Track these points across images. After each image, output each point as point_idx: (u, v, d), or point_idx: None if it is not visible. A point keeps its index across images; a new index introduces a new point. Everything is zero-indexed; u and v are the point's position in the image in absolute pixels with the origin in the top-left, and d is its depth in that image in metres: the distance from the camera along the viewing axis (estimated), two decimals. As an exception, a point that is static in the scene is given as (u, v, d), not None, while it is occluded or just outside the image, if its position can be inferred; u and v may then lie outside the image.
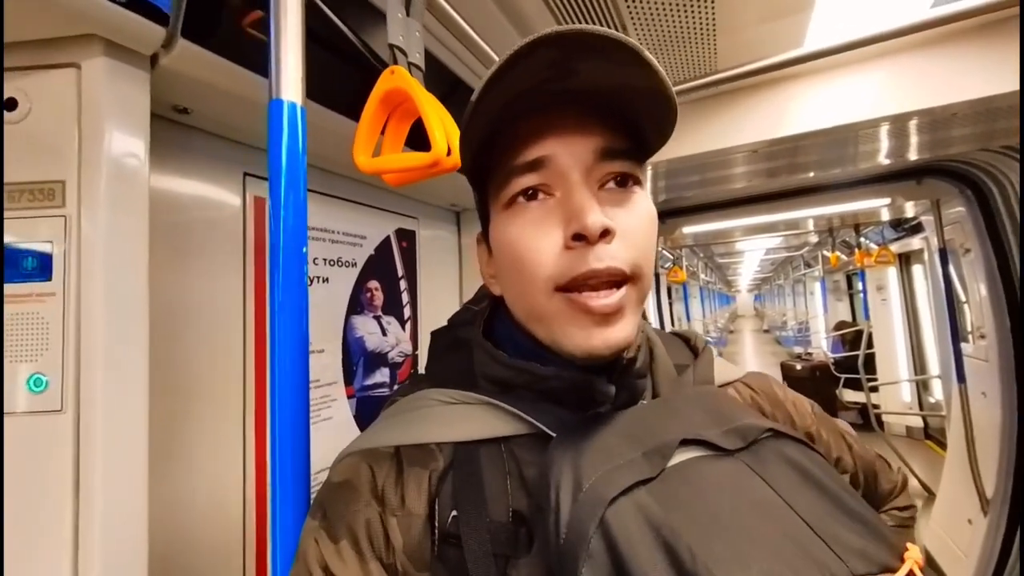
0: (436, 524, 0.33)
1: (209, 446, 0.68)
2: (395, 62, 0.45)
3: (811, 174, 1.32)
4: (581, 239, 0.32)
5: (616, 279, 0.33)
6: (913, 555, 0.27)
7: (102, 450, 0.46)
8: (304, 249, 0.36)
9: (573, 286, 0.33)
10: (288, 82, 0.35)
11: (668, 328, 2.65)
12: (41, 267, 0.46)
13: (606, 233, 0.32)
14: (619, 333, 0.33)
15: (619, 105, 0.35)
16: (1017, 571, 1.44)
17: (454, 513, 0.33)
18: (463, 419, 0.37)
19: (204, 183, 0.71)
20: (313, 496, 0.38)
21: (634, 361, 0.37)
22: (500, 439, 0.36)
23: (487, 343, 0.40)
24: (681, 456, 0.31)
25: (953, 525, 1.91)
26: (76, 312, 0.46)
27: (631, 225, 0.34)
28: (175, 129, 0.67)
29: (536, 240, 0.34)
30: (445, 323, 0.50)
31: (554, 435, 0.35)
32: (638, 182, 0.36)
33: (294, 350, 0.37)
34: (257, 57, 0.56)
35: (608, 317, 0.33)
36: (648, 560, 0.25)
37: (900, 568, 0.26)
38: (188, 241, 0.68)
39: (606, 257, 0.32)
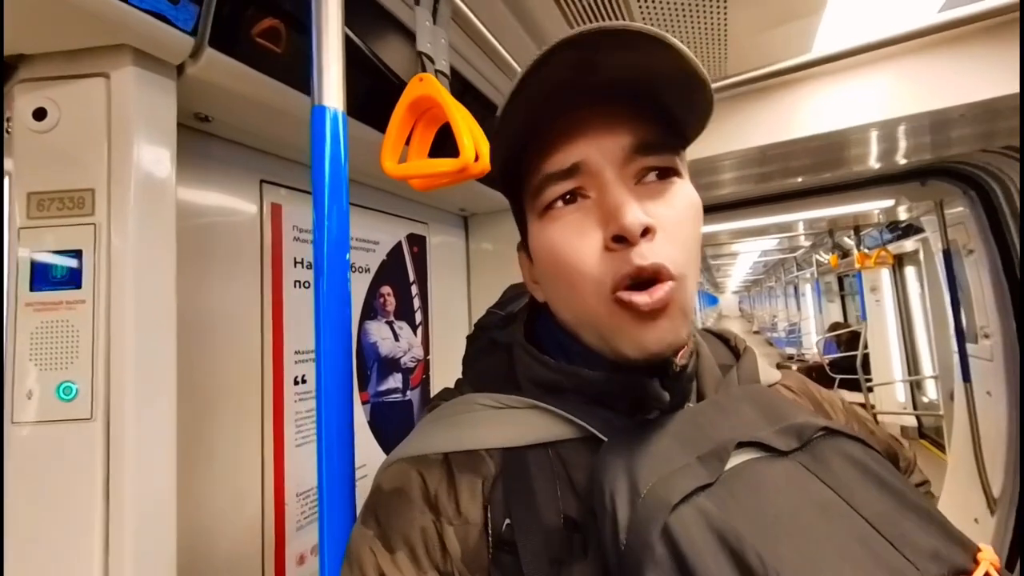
0: (490, 531, 0.33)
1: (229, 451, 0.68)
2: (423, 69, 0.45)
3: (818, 176, 1.33)
4: (622, 240, 0.31)
5: (661, 276, 0.32)
6: (988, 556, 0.25)
7: (131, 458, 0.45)
8: (347, 256, 0.37)
9: (619, 285, 0.32)
10: (331, 89, 0.36)
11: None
12: (71, 275, 0.46)
13: (647, 231, 0.31)
14: (669, 328, 0.32)
15: (650, 93, 0.33)
16: (1028, 569, 1.45)
17: (507, 520, 0.32)
18: (511, 424, 0.37)
19: (223, 190, 0.71)
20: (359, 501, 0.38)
21: (686, 367, 0.36)
22: (547, 444, 0.35)
23: (531, 347, 0.39)
24: (737, 459, 0.30)
25: (960, 524, 1.90)
26: (106, 320, 0.46)
27: (672, 218, 0.33)
28: (195, 137, 0.67)
29: (577, 245, 0.33)
30: (474, 328, 0.50)
31: (603, 439, 0.34)
32: (677, 172, 0.35)
33: (338, 356, 0.38)
34: (279, 65, 0.57)
35: (657, 313, 0.31)
36: (716, 566, 0.24)
37: (975, 570, 0.25)
38: (207, 248, 0.68)
39: (650, 254, 0.31)
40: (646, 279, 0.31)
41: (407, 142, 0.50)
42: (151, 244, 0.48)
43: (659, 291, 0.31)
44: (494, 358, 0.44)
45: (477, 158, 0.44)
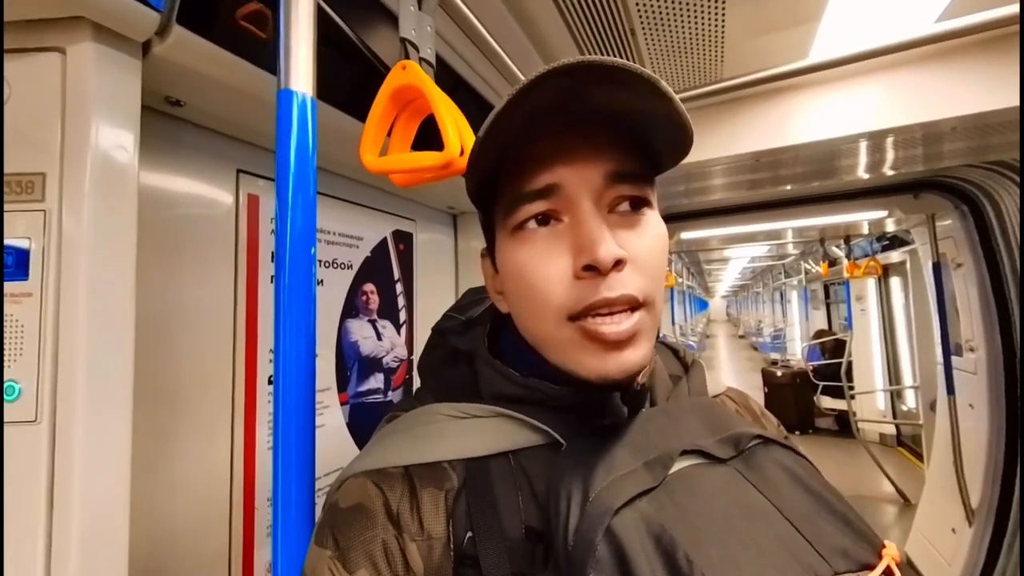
0: (452, 546, 0.32)
1: (196, 455, 0.65)
2: (407, 57, 0.43)
3: (812, 184, 1.33)
4: (592, 270, 0.32)
5: (630, 306, 0.33)
6: (890, 552, 0.28)
7: (79, 464, 0.42)
8: (312, 250, 0.34)
9: (585, 314, 0.32)
10: (299, 72, 0.33)
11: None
12: (17, 265, 0.42)
13: (619, 263, 0.32)
14: (633, 357, 0.33)
15: (631, 125, 0.34)
16: (1003, 580, 1.47)
17: (469, 534, 0.32)
18: (474, 434, 0.36)
19: (196, 179, 0.67)
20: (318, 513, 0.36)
21: (646, 386, 0.37)
22: (508, 452, 0.36)
23: (496, 361, 0.39)
24: (679, 465, 0.32)
25: (937, 533, 1.94)
26: (55, 314, 0.42)
27: (643, 249, 0.34)
28: (167, 122, 0.64)
29: (545, 269, 0.33)
30: (433, 333, 0.48)
31: (564, 443, 0.35)
32: (649, 203, 0.36)
33: (300, 356, 0.35)
34: (254, 48, 0.53)
35: (623, 344, 0.32)
36: (649, 567, 0.26)
37: (878, 565, 0.27)
38: (177, 240, 0.64)
39: (618, 285, 0.32)
40: (613, 309, 0.32)
41: (389, 134, 0.47)
42: (108, 234, 0.45)
43: (627, 321, 0.32)
44: (457, 369, 0.43)
45: (463, 152, 0.42)
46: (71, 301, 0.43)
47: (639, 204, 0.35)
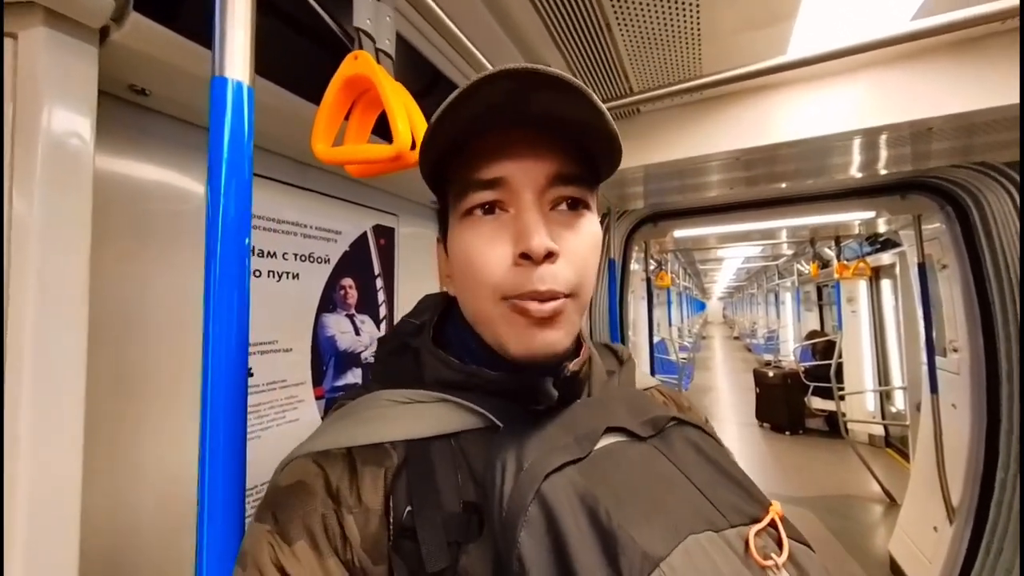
0: (391, 519, 0.34)
1: (162, 448, 0.64)
2: (361, 47, 0.42)
3: (800, 184, 1.33)
4: (527, 258, 0.35)
5: (556, 297, 0.36)
6: (775, 508, 0.34)
7: (29, 452, 0.42)
8: (247, 241, 0.33)
9: (515, 297, 0.36)
10: (234, 58, 0.32)
11: (653, 330, 2.78)
12: (-36, 251, 0.42)
13: (551, 255, 0.35)
14: (556, 335, 0.36)
15: (573, 132, 0.37)
16: (980, 579, 1.48)
17: (408, 508, 0.34)
18: (416, 417, 0.39)
19: (164, 170, 0.67)
20: (251, 505, 0.36)
21: (577, 375, 0.41)
22: (450, 435, 0.38)
23: (438, 350, 0.42)
24: (606, 441, 0.36)
25: (919, 532, 1.95)
26: (1, 300, 0.42)
27: (576, 247, 0.37)
28: (133, 111, 0.63)
29: (488, 253, 0.36)
30: (388, 334, 0.51)
31: (501, 426, 0.38)
32: (587, 206, 0.39)
33: (231, 355, 0.34)
34: (219, 36, 0.53)
35: (545, 320, 0.36)
36: (574, 521, 0.29)
37: (765, 517, 0.33)
38: (147, 232, 0.64)
39: (548, 278, 0.35)
40: (541, 297, 0.35)
41: (347, 121, 0.47)
42: (61, 222, 0.44)
43: (550, 303, 0.36)
44: (404, 358, 0.45)
45: (414, 145, 0.41)
46: (20, 286, 0.42)
47: (577, 205, 0.38)
